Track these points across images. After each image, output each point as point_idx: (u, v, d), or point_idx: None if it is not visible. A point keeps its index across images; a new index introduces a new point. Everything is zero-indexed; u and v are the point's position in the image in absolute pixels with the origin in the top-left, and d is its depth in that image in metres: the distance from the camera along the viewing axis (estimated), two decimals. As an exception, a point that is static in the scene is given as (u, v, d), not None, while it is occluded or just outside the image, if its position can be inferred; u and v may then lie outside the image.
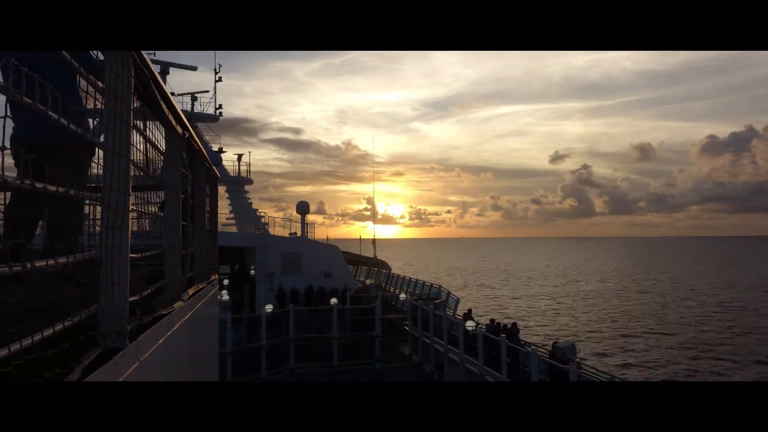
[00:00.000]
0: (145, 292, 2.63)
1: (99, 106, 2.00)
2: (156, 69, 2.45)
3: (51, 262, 1.55)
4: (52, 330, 1.53)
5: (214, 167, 5.97)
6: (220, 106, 35.26)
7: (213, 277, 6.05)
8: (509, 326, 18.84)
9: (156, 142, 3.04)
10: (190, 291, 3.89)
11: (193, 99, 33.66)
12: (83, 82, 1.96)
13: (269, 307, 22.79)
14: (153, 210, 3.03)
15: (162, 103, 2.78)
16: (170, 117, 3.05)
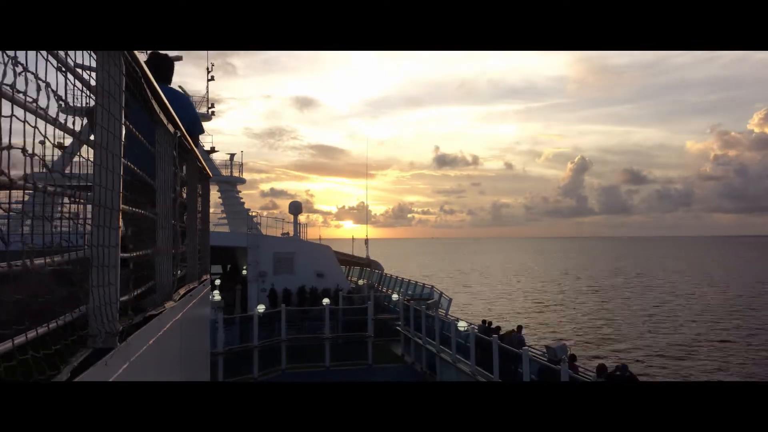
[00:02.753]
0: (136, 292, 2.60)
1: (90, 103, 1.98)
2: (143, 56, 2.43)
3: (38, 261, 1.53)
4: (42, 329, 1.51)
5: (206, 166, 5.94)
6: (212, 105, 35.20)
7: (205, 277, 6.02)
8: (515, 329, 18.83)
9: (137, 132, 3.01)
10: (182, 291, 3.87)
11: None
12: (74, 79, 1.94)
13: (261, 308, 22.71)
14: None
15: (153, 101, 2.76)
16: (162, 116, 3.03)
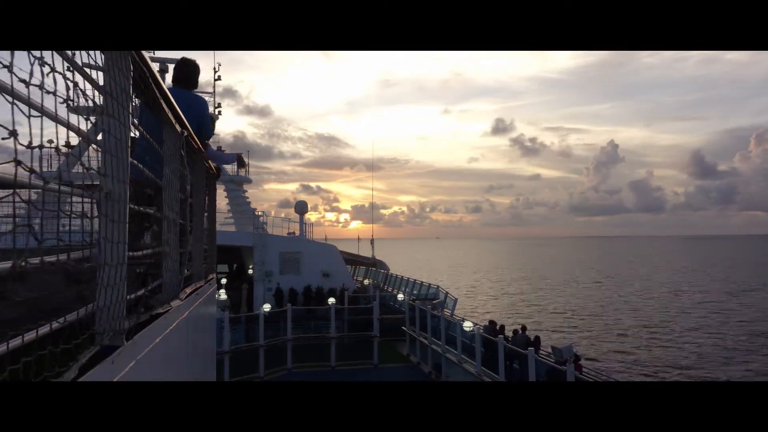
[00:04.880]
0: (143, 291, 2.62)
1: (98, 103, 1.99)
2: (155, 67, 2.45)
3: (47, 259, 1.55)
4: (48, 328, 1.52)
5: (213, 166, 5.96)
6: (219, 105, 35.29)
7: (211, 276, 6.05)
8: (533, 338, 18.76)
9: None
10: (188, 290, 3.89)
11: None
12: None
13: (267, 307, 22.77)
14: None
15: (161, 101, 2.77)
16: (169, 115, 3.04)
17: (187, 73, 4.99)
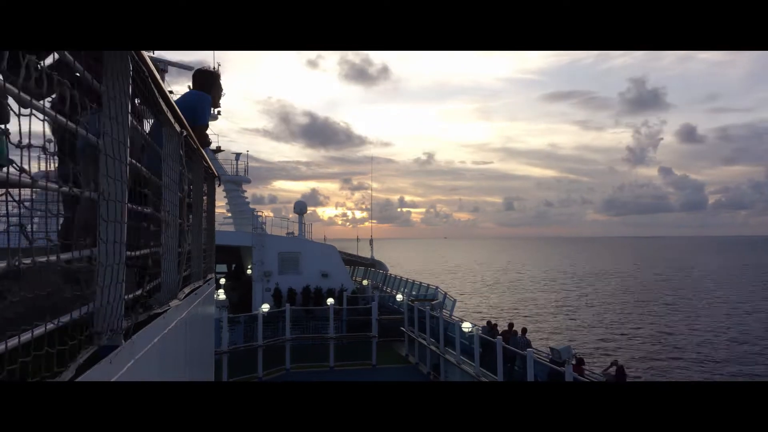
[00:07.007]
0: (141, 290, 2.62)
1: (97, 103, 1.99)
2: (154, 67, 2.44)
3: (43, 259, 1.54)
4: (46, 328, 1.52)
5: (212, 166, 5.96)
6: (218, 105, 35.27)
7: (209, 276, 6.04)
8: (519, 331, 18.78)
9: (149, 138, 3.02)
10: (186, 290, 3.88)
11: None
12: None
13: (266, 307, 22.76)
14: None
15: (160, 101, 2.77)
16: (168, 115, 3.04)
17: (200, 82, 5.07)
